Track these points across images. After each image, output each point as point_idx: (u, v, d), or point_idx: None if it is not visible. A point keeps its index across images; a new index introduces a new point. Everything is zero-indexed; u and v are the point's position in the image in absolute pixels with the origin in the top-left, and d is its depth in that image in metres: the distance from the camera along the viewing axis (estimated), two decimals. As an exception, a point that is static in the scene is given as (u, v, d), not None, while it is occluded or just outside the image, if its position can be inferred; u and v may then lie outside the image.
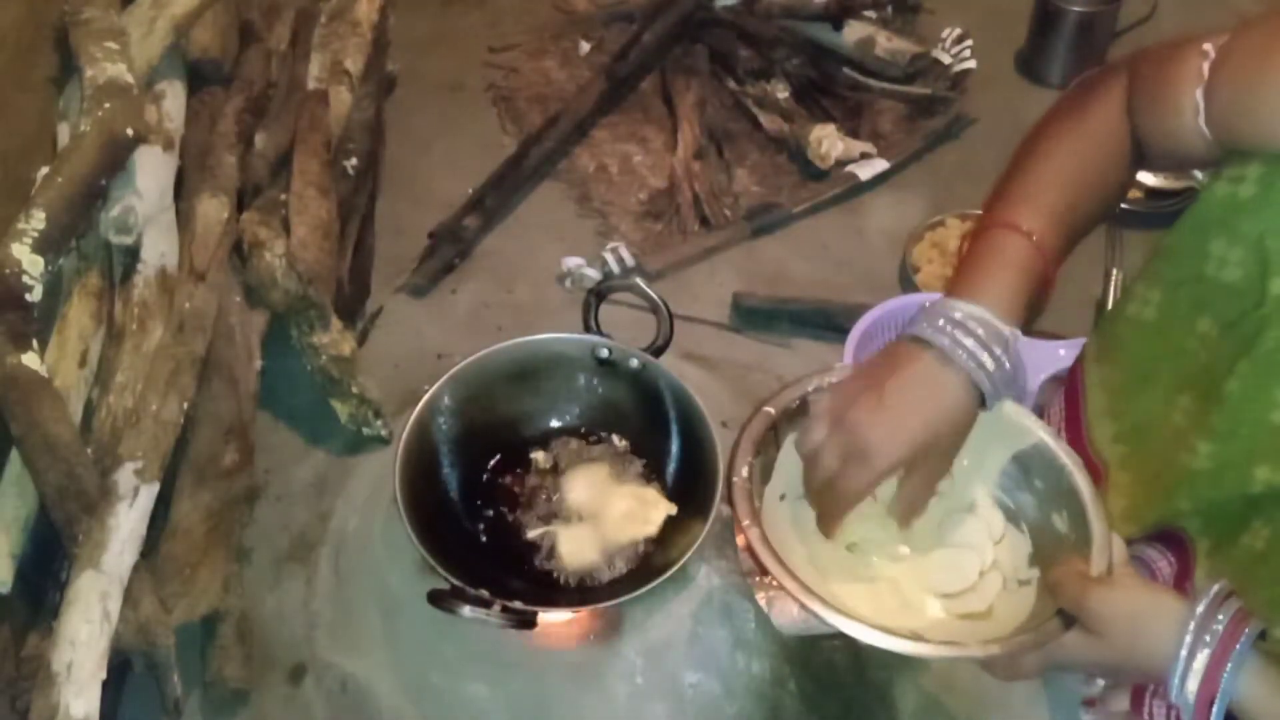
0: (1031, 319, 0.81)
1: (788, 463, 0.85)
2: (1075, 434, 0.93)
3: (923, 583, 0.85)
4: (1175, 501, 0.81)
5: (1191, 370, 0.79)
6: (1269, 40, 0.71)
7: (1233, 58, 0.74)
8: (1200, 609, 0.69)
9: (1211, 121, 0.75)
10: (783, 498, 0.86)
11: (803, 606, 0.75)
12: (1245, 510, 0.76)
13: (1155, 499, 0.83)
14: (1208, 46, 0.75)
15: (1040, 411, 1.00)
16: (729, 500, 0.80)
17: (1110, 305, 1.33)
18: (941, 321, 0.77)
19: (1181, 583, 0.83)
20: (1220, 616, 0.69)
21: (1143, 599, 0.73)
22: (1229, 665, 0.67)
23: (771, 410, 0.84)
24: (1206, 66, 0.75)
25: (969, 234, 0.84)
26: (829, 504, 0.80)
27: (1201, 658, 0.68)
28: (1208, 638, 0.68)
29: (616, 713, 1.00)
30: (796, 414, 0.85)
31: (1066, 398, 0.95)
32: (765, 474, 0.84)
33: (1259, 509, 0.76)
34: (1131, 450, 0.88)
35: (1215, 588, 0.70)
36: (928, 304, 0.80)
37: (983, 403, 0.79)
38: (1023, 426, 0.85)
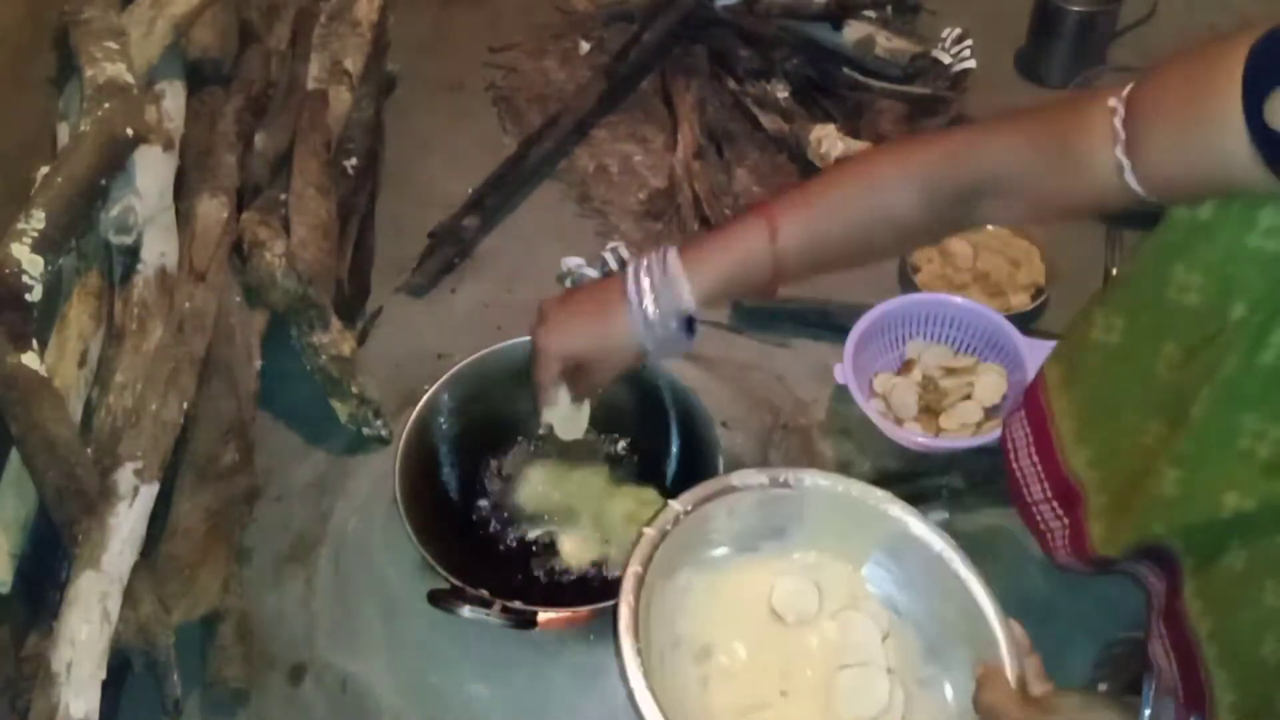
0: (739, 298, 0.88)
1: (660, 613, 0.84)
2: (1048, 459, 0.93)
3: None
4: (1150, 526, 0.81)
5: (1160, 395, 0.79)
6: (1186, 78, 0.68)
7: (1150, 108, 0.71)
8: (1145, 716, 0.69)
9: (1145, 179, 0.72)
10: (662, 658, 0.83)
11: None
12: (1221, 532, 0.76)
13: (1131, 523, 0.83)
14: (1113, 103, 0.72)
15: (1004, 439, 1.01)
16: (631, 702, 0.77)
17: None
18: (643, 268, 0.87)
19: (1173, 600, 0.83)
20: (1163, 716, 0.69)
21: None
22: None
23: (639, 569, 0.83)
24: (1119, 122, 0.72)
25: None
26: (536, 393, 0.94)
27: None
28: None
29: (616, 713, 1.00)
30: (664, 556, 0.84)
31: (1032, 423, 0.95)
32: (645, 636, 0.80)
33: (1234, 531, 0.75)
34: (1107, 475, 0.87)
35: (1150, 689, 0.69)
36: (658, 248, 0.87)
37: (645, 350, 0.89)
38: (886, 514, 0.86)
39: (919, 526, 0.83)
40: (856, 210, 0.85)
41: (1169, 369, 0.78)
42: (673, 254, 0.87)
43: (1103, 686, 1.00)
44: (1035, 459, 0.94)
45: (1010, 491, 0.99)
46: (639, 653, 0.77)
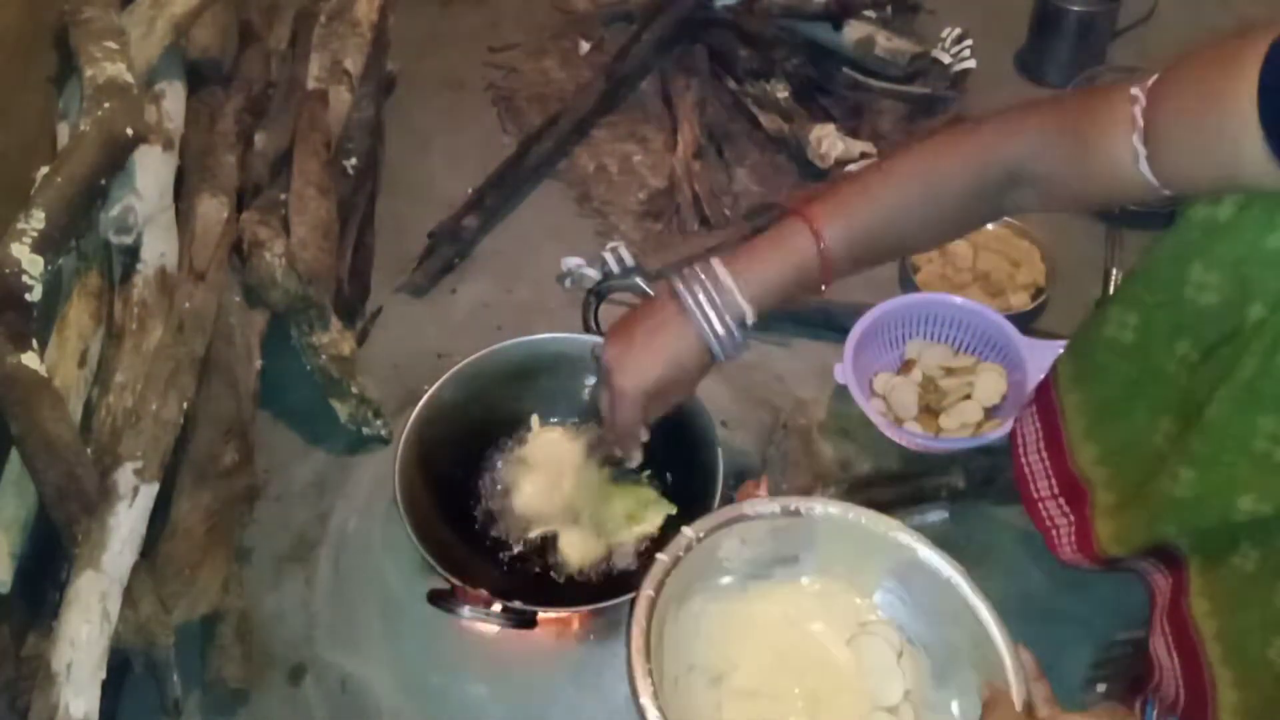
0: (791, 302, 0.89)
1: (674, 638, 0.84)
2: (1057, 456, 0.93)
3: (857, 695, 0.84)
4: (1161, 526, 0.81)
5: (1172, 394, 0.79)
6: (1204, 73, 0.69)
7: (1168, 100, 0.71)
8: None
9: (1160, 169, 0.72)
10: (676, 681, 0.84)
11: None
12: (1233, 533, 0.76)
13: (1141, 523, 0.83)
14: (1135, 91, 0.73)
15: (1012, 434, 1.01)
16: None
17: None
18: (696, 282, 0.87)
19: (1178, 599, 0.83)
20: None
21: None
22: None
23: (651, 593, 0.83)
24: (1139, 111, 0.72)
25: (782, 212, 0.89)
26: (619, 435, 0.94)
27: None
28: None
29: (616, 712, 1.00)
30: (676, 580, 0.84)
31: (1042, 419, 0.95)
32: (656, 658, 0.80)
33: (1246, 532, 0.75)
34: (1115, 473, 0.87)
35: (1154, 711, 0.69)
36: (702, 260, 0.88)
37: (714, 358, 0.89)
38: (896, 541, 0.86)
39: (927, 553, 0.84)
40: (900, 204, 0.85)
41: (1183, 369, 0.78)
42: (719, 267, 0.87)
43: (1101, 688, 1.00)
44: (1044, 455, 0.94)
45: (1018, 487, 0.99)
46: (650, 674, 0.77)
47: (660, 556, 0.84)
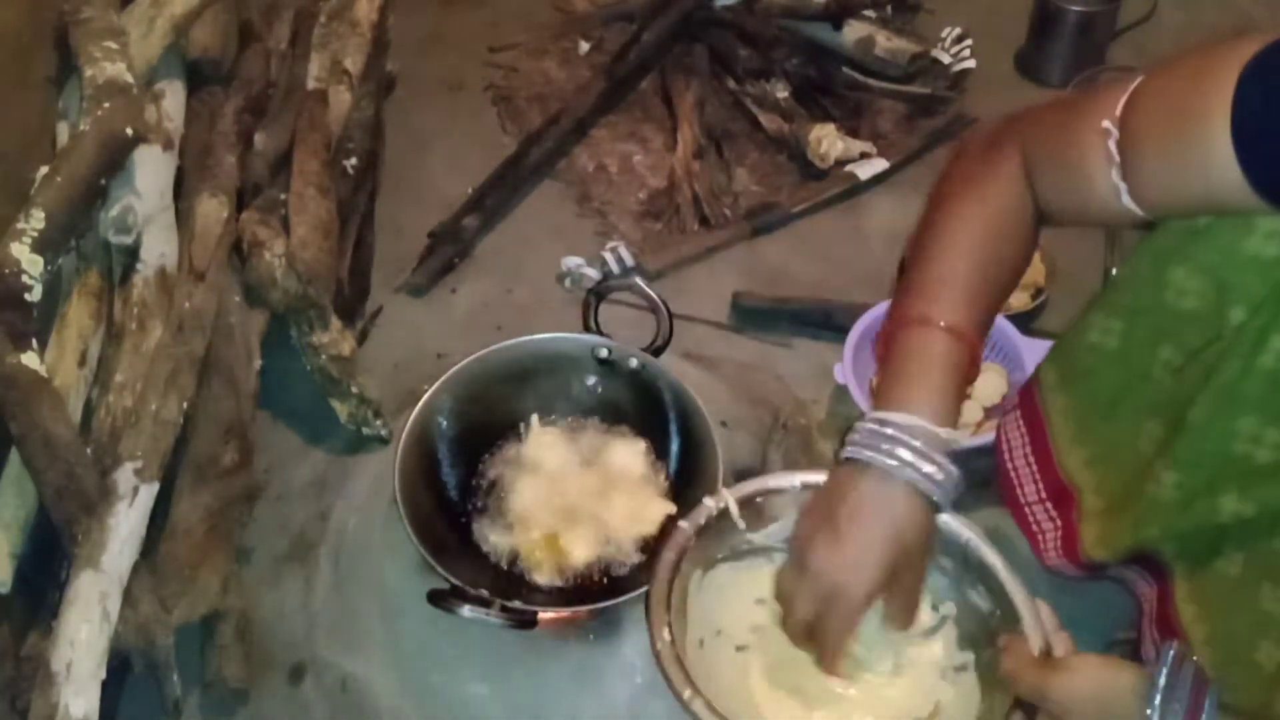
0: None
1: (700, 603, 0.85)
2: (1044, 459, 0.93)
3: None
4: (1146, 529, 0.81)
5: (1157, 398, 0.79)
6: (1172, 99, 0.68)
7: (1141, 132, 0.70)
8: (1161, 679, 0.66)
9: (1141, 200, 0.71)
10: (701, 643, 0.84)
11: None
12: (1217, 537, 0.76)
13: (1125, 526, 0.83)
14: (1106, 124, 0.71)
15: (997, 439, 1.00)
16: (659, 667, 0.78)
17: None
18: (877, 439, 0.76)
19: (1164, 605, 0.83)
20: (1181, 682, 0.66)
21: (1103, 678, 0.72)
22: None
23: (673, 556, 0.83)
24: (1113, 145, 0.71)
25: (884, 334, 0.83)
26: (821, 647, 0.80)
27: None
28: (1176, 705, 0.66)
29: (616, 712, 1.00)
30: (699, 548, 0.85)
31: (1027, 423, 0.95)
32: (680, 621, 0.81)
33: (1230, 536, 0.76)
34: (1103, 477, 0.87)
35: (1171, 651, 0.68)
36: (860, 422, 0.78)
37: (937, 508, 0.78)
38: None
39: (945, 519, 0.83)
40: (990, 259, 0.80)
41: (1167, 373, 0.78)
42: (894, 415, 0.77)
43: None
44: (1031, 459, 0.94)
45: (1003, 492, 0.99)
46: (669, 625, 0.78)
47: (682, 524, 0.85)
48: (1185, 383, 0.76)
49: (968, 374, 0.79)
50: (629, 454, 1.12)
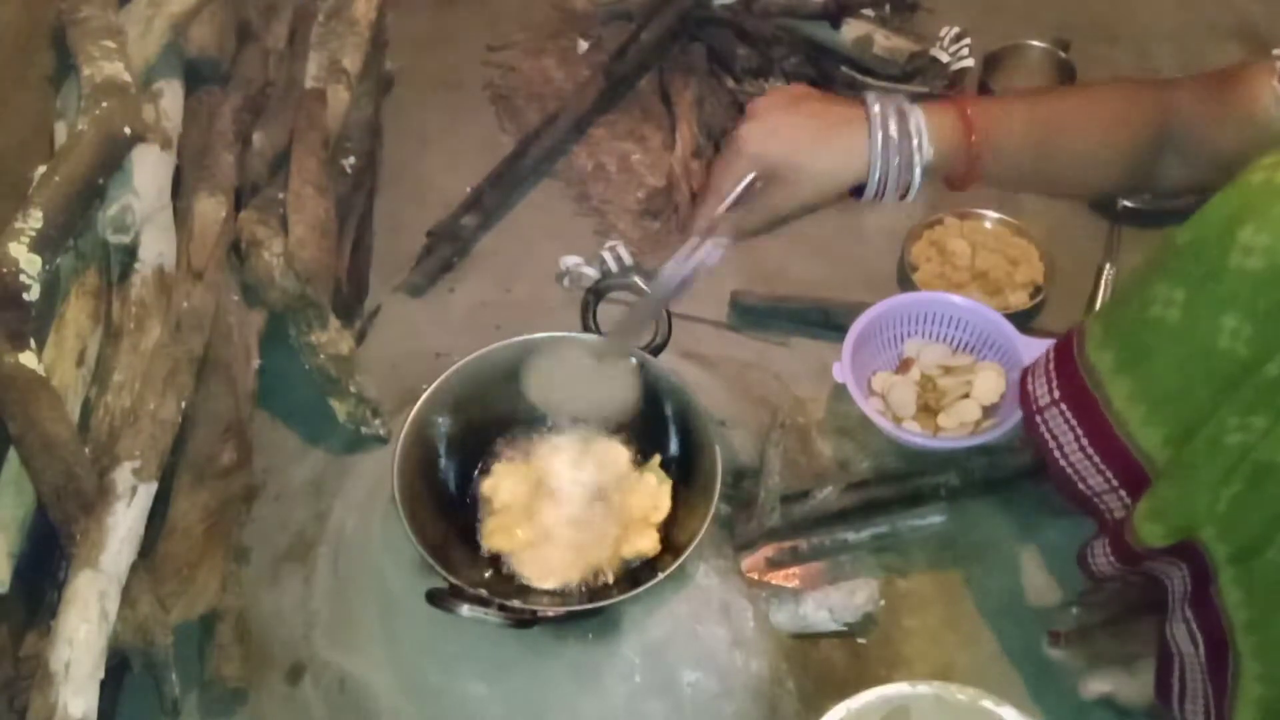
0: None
1: None
2: (1107, 447, 0.88)
3: None
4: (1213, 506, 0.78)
5: (1229, 369, 0.75)
6: None
7: None
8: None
9: None
10: None
11: None
12: (1270, 525, 0.74)
13: (1185, 496, 0.81)
14: (1277, 51, 0.77)
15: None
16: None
17: (1099, 301, 1.32)
18: (895, 108, 0.81)
19: (1203, 587, 0.81)
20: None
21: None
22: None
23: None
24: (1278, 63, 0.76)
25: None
26: (700, 195, 0.88)
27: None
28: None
29: (615, 712, 1.00)
30: None
31: (1077, 414, 0.90)
32: None
33: None
34: (1178, 452, 0.84)
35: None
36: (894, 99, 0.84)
37: (856, 192, 0.84)
38: (985, 711, 0.87)
39: (1012, 714, 0.85)
40: (1079, 131, 0.85)
41: (1235, 341, 0.74)
42: (914, 110, 0.83)
43: (1074, 610, 1.02)
44: (1089, 450, 0.90)
45: (1060, 489, 0.94)
46: None
47: None
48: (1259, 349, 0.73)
49: (957, 175, 0.85)
50: (618, 464, 1.10)
